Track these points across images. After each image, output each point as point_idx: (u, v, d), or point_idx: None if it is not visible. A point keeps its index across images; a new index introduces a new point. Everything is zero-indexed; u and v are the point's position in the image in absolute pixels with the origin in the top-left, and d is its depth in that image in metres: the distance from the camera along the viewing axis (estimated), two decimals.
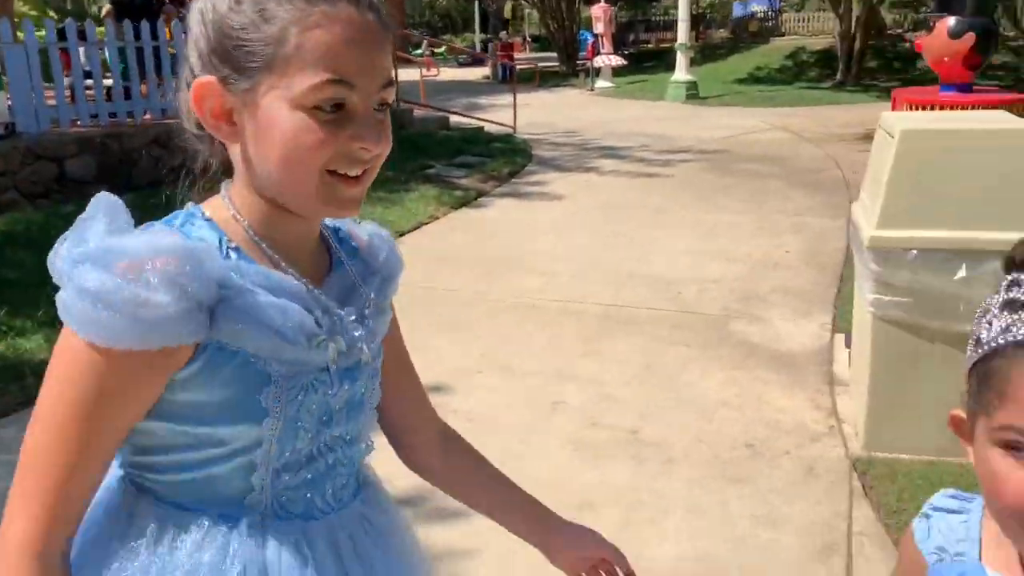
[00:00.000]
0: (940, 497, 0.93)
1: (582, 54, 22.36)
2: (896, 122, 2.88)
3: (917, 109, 3.39)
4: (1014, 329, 0.72)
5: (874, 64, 18.88)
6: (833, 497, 2.82)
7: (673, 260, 5.63)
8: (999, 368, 0.73)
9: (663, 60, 26.18)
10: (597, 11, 20.28)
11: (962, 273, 2.72)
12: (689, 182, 8.32)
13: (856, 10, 17.34)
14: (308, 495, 0.93)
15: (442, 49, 35.70)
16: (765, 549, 2.57)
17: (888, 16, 21.19)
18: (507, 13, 50.56)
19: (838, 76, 17.64)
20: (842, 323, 4.36)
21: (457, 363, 3.93)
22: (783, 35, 23.54)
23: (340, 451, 0.95)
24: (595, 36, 20.44)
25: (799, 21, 23.68)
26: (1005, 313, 0.74)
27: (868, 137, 10.74)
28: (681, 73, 16.21)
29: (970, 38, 3.22)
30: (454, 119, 12.23)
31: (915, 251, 2.76)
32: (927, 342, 2.87)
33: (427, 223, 6.73)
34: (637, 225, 6.64)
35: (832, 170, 8.61)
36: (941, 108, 3.33)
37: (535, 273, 5.40)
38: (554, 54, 25.60)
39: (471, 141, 10.70)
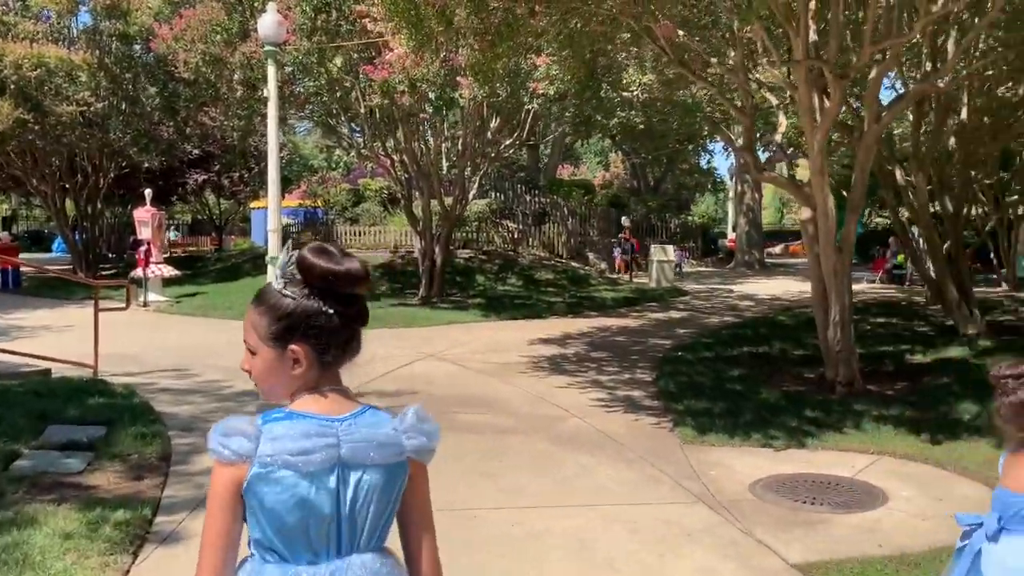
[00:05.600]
0: None
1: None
2: None
3: None
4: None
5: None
6: None
7: None
8: None
9: (196, 268, 23.66)
10: (143, 215, 17.26)
11: None
12: None
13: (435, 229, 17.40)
14: None
15: None
16: None
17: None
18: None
19: (421, 292, 17.23)
20: None
21: None
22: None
23: None
24: (141, 243, 17.23)
25: (353, 235, 23.36)
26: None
27: (533, 364, 10.17)
28: None
29: None
30: None
31: None
32: None
33: None
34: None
35: (569, 417, 7.33)
36: None
37: None
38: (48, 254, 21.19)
39: (48, 396, 7.13)
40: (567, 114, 16.74)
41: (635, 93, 13.79)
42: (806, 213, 8.07)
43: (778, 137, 8.82)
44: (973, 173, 13.12)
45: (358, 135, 17.60)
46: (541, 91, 13.32)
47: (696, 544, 4.46)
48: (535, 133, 19.38)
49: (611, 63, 12.80)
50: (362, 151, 17.54)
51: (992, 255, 20.08)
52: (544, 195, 28.12)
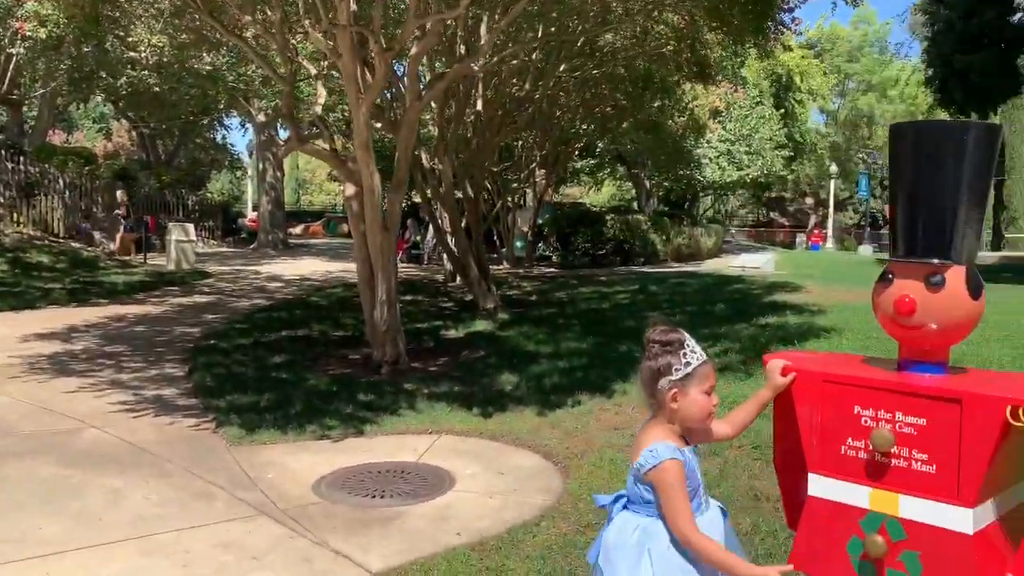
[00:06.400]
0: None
1: None
2: None
3: None
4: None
5: None
6: None
7: None
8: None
9: None
10: None
11: None
12: None
13: None
14: None
15: None
16: None
17: None
18: None
19: None
20: None
21: None
22: None
23: None
24: None
25: None
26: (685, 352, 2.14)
27: (30, 365, 8.21)
28: None
29: None
30: None
31: None
32: None
33: None
34: None
35: (86, 429, 5.99)
36: None
37: None
38: None
39: None
40: (62, 66, 14.22)
41: (143, 54, 12.17)
42: (350, 190, 7.78)
43: (317, 109, 8.35)
44: (486, 163, 14.29)
45: None
46: (28, 33, 11.01)
47: (266, 568, 3.81)
48: (19, 87, 16.22)
49: (120, 15, 11.05)
50: None
51: (495, 237, 22.42)
52: (33, 163, 23.92)
